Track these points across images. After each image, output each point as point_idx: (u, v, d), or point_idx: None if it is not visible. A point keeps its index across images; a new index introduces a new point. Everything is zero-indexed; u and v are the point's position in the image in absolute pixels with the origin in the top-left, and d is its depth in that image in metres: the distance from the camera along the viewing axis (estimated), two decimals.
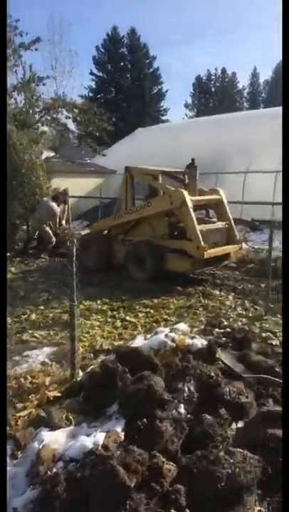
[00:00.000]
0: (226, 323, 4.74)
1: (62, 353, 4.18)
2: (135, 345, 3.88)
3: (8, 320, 5.73)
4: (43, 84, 17.21)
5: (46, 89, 29.82)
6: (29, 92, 16.54)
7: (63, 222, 10.62)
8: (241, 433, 2.43)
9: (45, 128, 19.26)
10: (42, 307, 6.08)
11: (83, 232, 10.56)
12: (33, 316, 5.68)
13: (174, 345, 3.66)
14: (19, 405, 2.91)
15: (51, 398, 2.87)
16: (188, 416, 2.49)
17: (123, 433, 2.28)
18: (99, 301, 6.47)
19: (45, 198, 10.30)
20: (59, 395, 2.92)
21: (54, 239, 9.74)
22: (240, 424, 2.49)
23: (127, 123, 32.76)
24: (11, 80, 16.75)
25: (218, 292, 6.96)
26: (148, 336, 4.41)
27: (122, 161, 15.81)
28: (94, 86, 40.30)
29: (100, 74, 40.41)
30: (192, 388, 2.65)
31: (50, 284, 7.34)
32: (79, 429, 2.38)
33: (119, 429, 2.31)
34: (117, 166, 18.56)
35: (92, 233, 9.09)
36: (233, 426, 2.51)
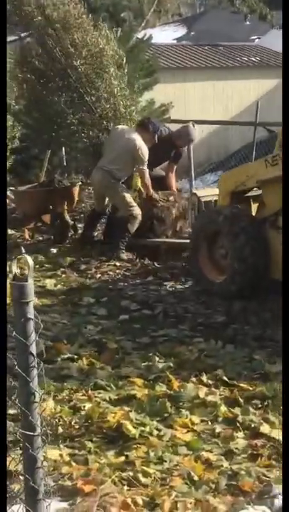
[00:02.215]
0: None
1: None
2: None
3: None
4: None
5: None
6: None
7: (173, 187, 9.35)
8: None
9: None
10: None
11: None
12: None
13: None
14: None
15: None
16: None
17: None
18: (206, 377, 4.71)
19: (118, 126, 8.92)
20: None
21: (137, 211, 8.18)
22: None
23: None
24: None
25: None
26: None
27: None
28: None
29: None
30: None
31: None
32: None
33: None
34: None
35: (223, 202, 7.29)
36: None
